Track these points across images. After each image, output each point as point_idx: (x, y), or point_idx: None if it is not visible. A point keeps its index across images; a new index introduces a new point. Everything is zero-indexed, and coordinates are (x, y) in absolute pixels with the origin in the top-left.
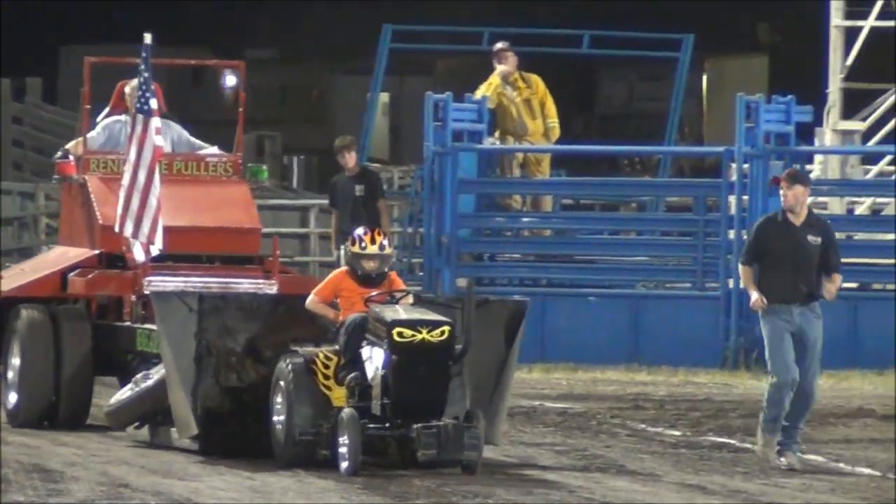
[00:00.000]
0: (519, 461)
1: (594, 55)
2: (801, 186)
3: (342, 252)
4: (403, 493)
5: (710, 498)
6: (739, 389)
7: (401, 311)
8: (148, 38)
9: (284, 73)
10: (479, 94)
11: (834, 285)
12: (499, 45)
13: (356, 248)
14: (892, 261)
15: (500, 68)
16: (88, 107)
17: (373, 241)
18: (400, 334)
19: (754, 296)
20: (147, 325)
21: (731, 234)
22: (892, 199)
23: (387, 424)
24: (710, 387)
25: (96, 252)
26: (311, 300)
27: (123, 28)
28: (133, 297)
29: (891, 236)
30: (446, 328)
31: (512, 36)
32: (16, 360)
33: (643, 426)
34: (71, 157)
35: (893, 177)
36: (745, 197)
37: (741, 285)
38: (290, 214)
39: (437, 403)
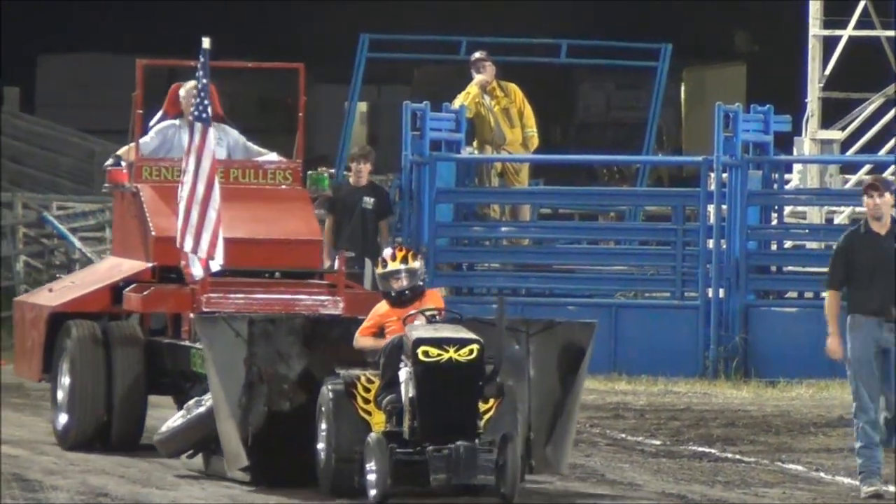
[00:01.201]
0: None
1: (572, 64)
2: (890, 195)
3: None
4: None
5: None
6: (719, 399)
7: (429, 330)
8: (206, 42)
9: (260, 83)
10: (456, 103)
11: None
12: (476, 55)
13: (381, 269)
14: None
15: (477, 77)
16: (141, 111)
17: (394, 258)
18: (425, 353)
19: (833, 339)
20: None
21: (710, 244)
22: None
23: (417, 448)
24: (689, 396)
25: (149, 265)
26: (356, 340)
27: (102, 37)
28: (192, 315)
29: None
30: (475, 346)
31: (489, 45)
32: (66, 379)
33: (623, 435)
34: (123, 164)
35: None
36: (724, 206)
37: (825, 313)
38: None
39: (466, 425)
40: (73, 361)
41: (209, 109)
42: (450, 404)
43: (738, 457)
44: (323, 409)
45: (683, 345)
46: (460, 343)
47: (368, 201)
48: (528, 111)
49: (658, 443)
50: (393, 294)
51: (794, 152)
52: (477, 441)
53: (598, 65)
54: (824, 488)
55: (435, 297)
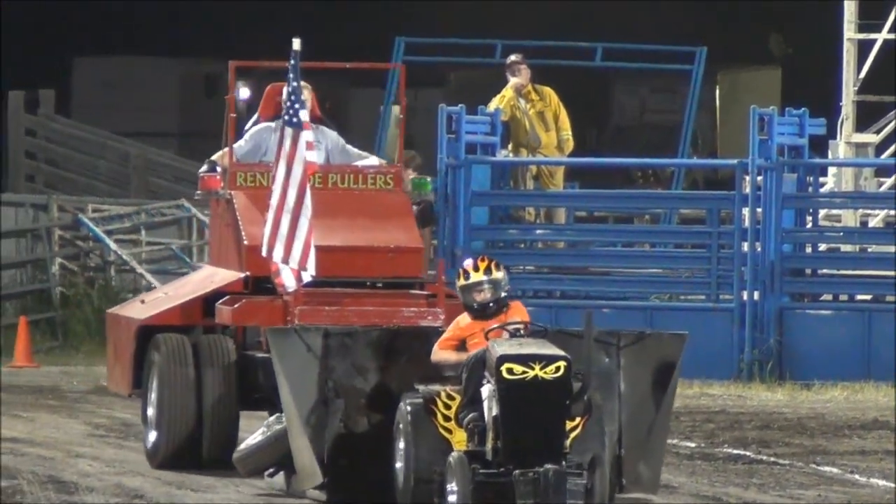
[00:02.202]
0: None
1: (607, 68)
2: None
3: None
4: None
5: None
6: (754, 401)
7: (513, 345)
8: (297, 43)
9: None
10: (492, 106)
11: None
12: (512, 58)
13: (462, 281)
14: None
15: (513, 81)
16: (234, 115)
17: (476, 268)
18: (510, 371)
19: None
20: None
21: (745, 247)
22: None
23: (501, 469)
24: (724, 398)
25: (242, 276)
26: (434, 353)
27: (137, 39)
28: (264, 328)
29: None
30: (562, 363)
31: (525, 48)
32: (154, 395)
33: None
34: (218, 170)
35: None
36: (759, 209)
37: None
38: None
39: (553, 447)
40: (161, 377)
41: (301, 114)
42: (535, 424)
43: (772, 459)
44: (401, 426)
45: (718, 347)
46: (547, 360)
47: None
48: (564, 115)
49: (693, 445)
50: (475, 306)
51: (829, 155)
52: (564, 463)
53: (633, 68)
54: (859, 490)
55: (519, 310)
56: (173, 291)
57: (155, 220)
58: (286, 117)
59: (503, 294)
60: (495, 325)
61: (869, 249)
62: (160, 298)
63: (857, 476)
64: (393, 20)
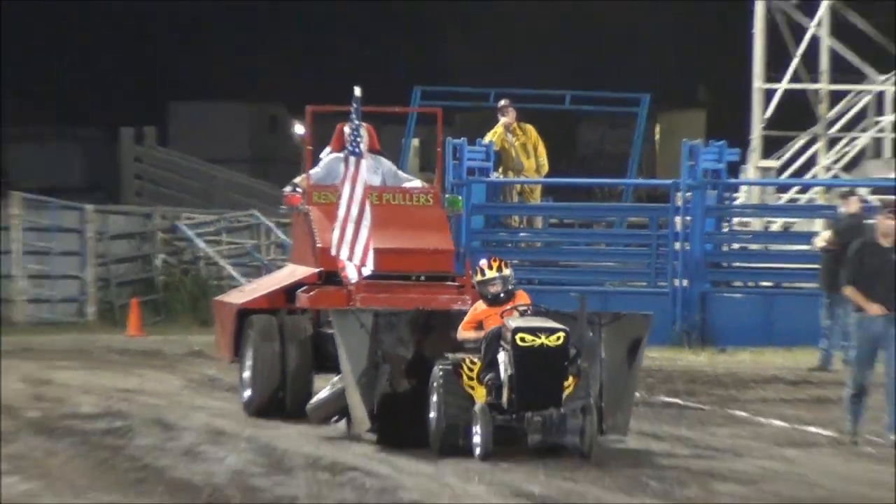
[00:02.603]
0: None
1: (574, 110)
2: None
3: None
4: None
5: (661, 443)
6: (683, 362)
7: (524, 321)
8: (358, 91)
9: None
10: (487, 139)
11: None
12: (502, 102)
13: (479, 277)
14: (799, 266)
15: (502, 119)
16: (310, 148)
17: (490, 267)
18: (522, 339)
19: (871, 306)
20: None
21: (677, 246)
22: (799, 220)
23: (513, 416)
24: (660, 360)
25: (316, 270)
26: (459, 332)
27: (217, 87)
28: (329, 309)
29: (798, 247)
30: (562, 334)
31: (511, 95)
32: (249, 362)
33: None
34: (299, 190)
35: (800, 202)
36: (688, 218)
37: (852, 299)
38: None
39: (554, 397)
40: (254, 348)
41: (360, 146)
42: (541, 380)
43: (697, 405)
44: (434, 385)
45: (656, 322)
46: (551, 331)
47: None
48: (541, 146)
49: (637, 395)
50: (490, 297)
51: (741, 177)
52: (563, 409)
53: (594, 110)
54: (761, 429)
55: (523, 296)
56: (264, 283)
57: (232, 226)
58: (349, 147)
59: (510, 286)
60: (509, 307)
61: (770, 248)
62: (254, 289)
63: (760, 418)
64: (409, 72)
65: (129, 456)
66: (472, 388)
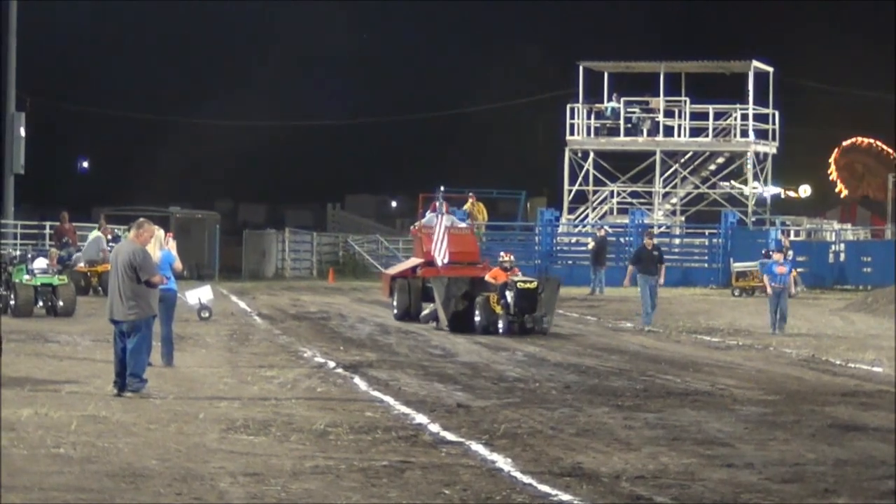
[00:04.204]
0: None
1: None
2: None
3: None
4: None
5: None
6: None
7: (520, 278)
8: (442, 188)
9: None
10: (465, 207)
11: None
12: (470, 193)
13: (501, 259)
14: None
15: (470, 200)
16: (422, 210)
17: (506, 255)
18: (520, 283)
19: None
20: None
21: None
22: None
23: (515, 315)
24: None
25: (424, 260)
26: (487, 278)
27: (371, 183)
28: (428, 276)
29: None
30: (536, 282)
31: (473, 190)
32: (396, 301)
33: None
34: (416, 226)
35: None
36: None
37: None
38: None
39: (534, 309)
40: (399, 293)
41: (443, 209)
42: (528, 301)
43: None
44: (477, 307)
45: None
46: (531, 281)
47: None
48: (485, 212)
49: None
50: (504, 266)
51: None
52: (536, 313)
53: (495, 196)
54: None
55: (516, 270)
56: (400, 265)
57: (371, 242)
58: (437, 212)
59: (511, 263)
60: (513, 277)
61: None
62: (398, 267)
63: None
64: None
65: (329, 328)
66: (493, 308)
